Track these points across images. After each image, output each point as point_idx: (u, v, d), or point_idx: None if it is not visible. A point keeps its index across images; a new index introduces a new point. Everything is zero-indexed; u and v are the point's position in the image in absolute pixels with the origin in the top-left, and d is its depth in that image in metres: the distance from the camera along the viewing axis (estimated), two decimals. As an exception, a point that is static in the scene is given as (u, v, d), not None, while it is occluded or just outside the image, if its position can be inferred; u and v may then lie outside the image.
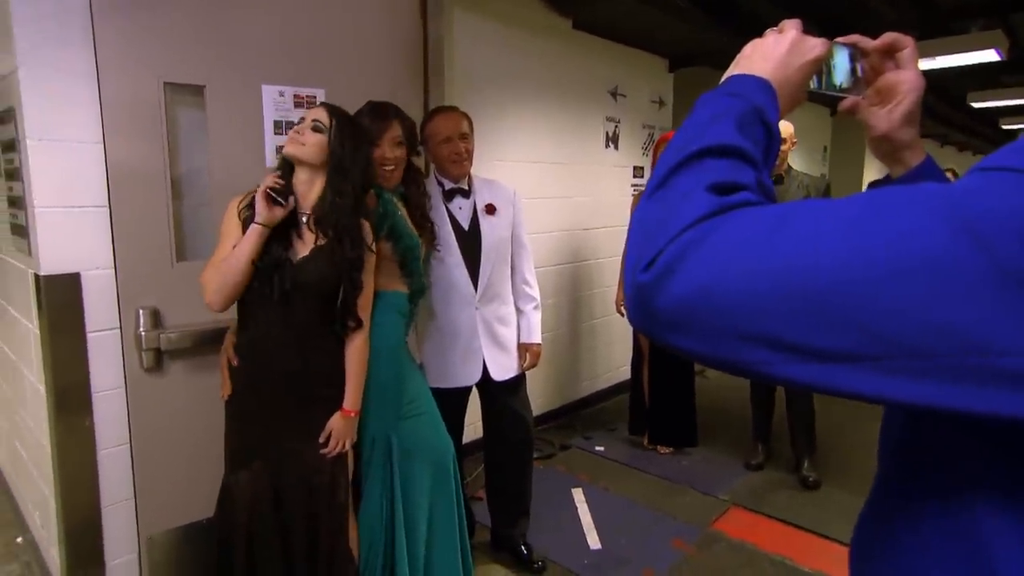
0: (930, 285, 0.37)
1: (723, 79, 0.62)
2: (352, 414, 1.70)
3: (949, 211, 0.38)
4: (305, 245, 1.61)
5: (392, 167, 1.85)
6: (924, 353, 0.38)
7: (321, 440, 1.66)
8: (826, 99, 0.68)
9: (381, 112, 1.83)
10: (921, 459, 0.52)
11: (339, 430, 1.68)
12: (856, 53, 0.71)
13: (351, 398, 1.69)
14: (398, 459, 1.81)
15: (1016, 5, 3.87)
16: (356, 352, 1.69)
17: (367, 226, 1.69)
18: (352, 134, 1.64)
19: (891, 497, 0.57)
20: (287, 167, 1.64)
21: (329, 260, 1.60)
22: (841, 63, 0.70)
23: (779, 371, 0.42)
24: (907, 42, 0.70)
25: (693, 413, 3.36)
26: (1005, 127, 8.78)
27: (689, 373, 3.33)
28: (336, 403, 1.68)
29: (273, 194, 1.54)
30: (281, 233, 1.58)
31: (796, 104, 0.65)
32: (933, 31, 4.13)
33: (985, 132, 9.51)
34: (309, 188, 1.63)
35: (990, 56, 4.21)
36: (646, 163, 4.32)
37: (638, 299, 0.47)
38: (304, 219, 1.62)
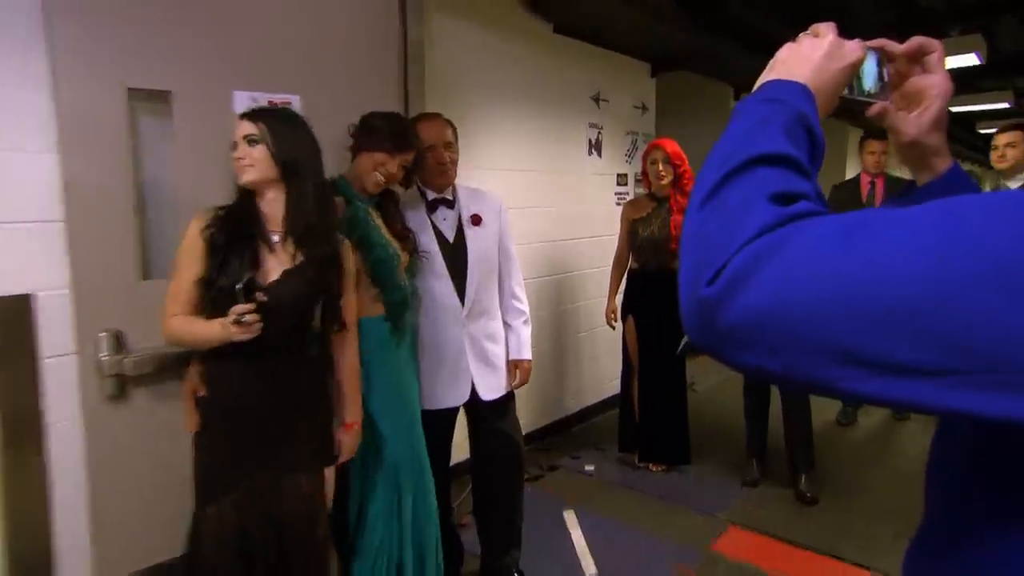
0: (1019, 295, 0.36)
1: (758, 85, 0.62)
2: (356, 425, 1.75)
3: None
4: (277, 265, 1.56)
5: (386, 182, 1.89)
6: (1015, 367, 0.37)
7: (339, 465, 1.73)
8: (848, 106, 0.70)
9: (405, 139, 1.89)
10: (995, 482, 0.51)
11: (348, 445, 1.74)
12: (883, 57, 0.72)
13: (351, 411, 1.74)
14: (408, 487, 1.91)
15: (996, 10, 4.00)
16: (347, 365, 1.72)
17: (344, 241, 1.70)
18: (289, 128, 1.58)
19: (951, 522, 0.55)
20: (247, 195, 1.59)
21: (302, 278, 1.55)
22: (870, 68, 0.71)
23: (859, 387, 0.41)
24: (935, 46, 0.72)
25: (686, 428, 3.35)
26: (982, 131, 9.07)
27: (681, 386, 3.32)
28: (317, 429, 1.64)
29: (244, 317, 1.42)
30: (248, 253, 1.52)
31: (830, 110, 0.64)
32: (913, 34, 4.24)
33: (962, 136, 9.82)
34: (278, 204, 1.58)
35: (970, 60, 4.34)
36: (630, 170, 4.35)
37: (701, 315, 0.46)
38: (276, 238, 1.57)
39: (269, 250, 1.56)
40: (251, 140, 1.53)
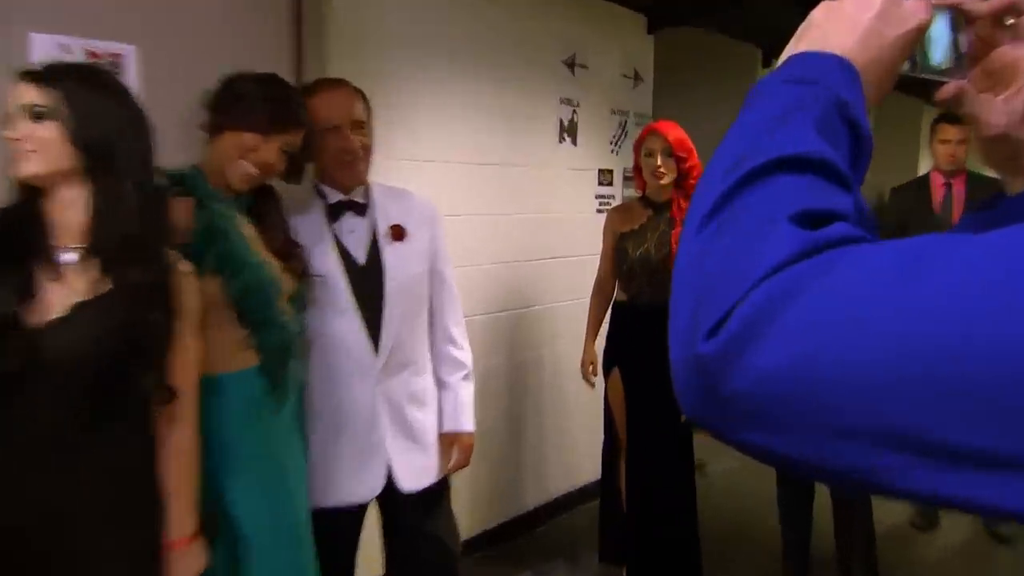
0: None
1: (783, 58, 0.64)
2: (188, 541, 1.66)
3: None
4: (65, 296, 1.51)
5: (260, 175, 1.90)
6: None
7: None
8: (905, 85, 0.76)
9: (288, 112, 1.88)
10: None
11: (180, 572, 1.66)
12: (959, 19, 0.73)
13: (180, 522, 1.65)
14: None
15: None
16: (175, 452, 1.65)
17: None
18: (98, 95, 1.55)
19: None
20: (30, 193, 1.54)
21: (105, 316, 1.51)
22: (940, 35, 0.72)
23: (918, 482, 0.42)
24: None
25: (694, 529, 3.34)
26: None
27: (686, 469, 3.31)
28: (136, 550, 1.59)
29: None
30: (19, 278, 1.48)
31: (884, 94, 0.66)
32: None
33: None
34: (77, 208, 1.54)
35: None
36: (617, 165, 4.40)
37: (698, 378, 0.48)
38: (70, 256, 1.53)
39: (54, 275, 1.51)
40: (36, 113, 1.48)
